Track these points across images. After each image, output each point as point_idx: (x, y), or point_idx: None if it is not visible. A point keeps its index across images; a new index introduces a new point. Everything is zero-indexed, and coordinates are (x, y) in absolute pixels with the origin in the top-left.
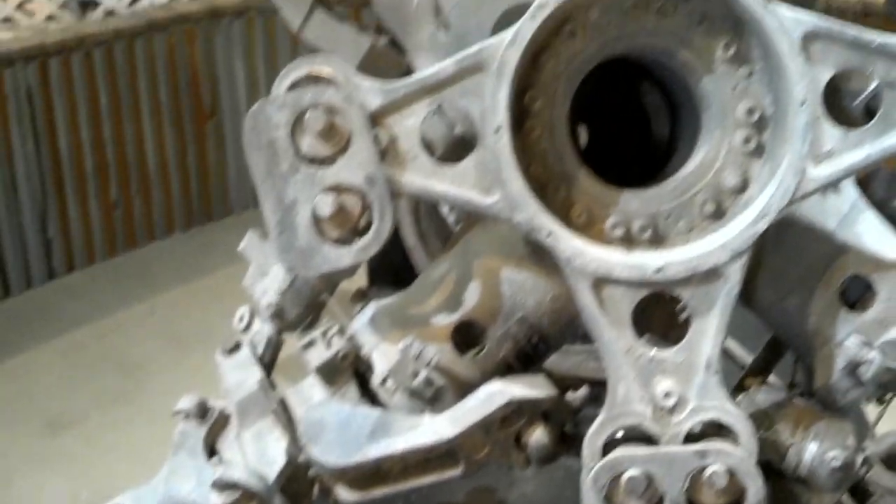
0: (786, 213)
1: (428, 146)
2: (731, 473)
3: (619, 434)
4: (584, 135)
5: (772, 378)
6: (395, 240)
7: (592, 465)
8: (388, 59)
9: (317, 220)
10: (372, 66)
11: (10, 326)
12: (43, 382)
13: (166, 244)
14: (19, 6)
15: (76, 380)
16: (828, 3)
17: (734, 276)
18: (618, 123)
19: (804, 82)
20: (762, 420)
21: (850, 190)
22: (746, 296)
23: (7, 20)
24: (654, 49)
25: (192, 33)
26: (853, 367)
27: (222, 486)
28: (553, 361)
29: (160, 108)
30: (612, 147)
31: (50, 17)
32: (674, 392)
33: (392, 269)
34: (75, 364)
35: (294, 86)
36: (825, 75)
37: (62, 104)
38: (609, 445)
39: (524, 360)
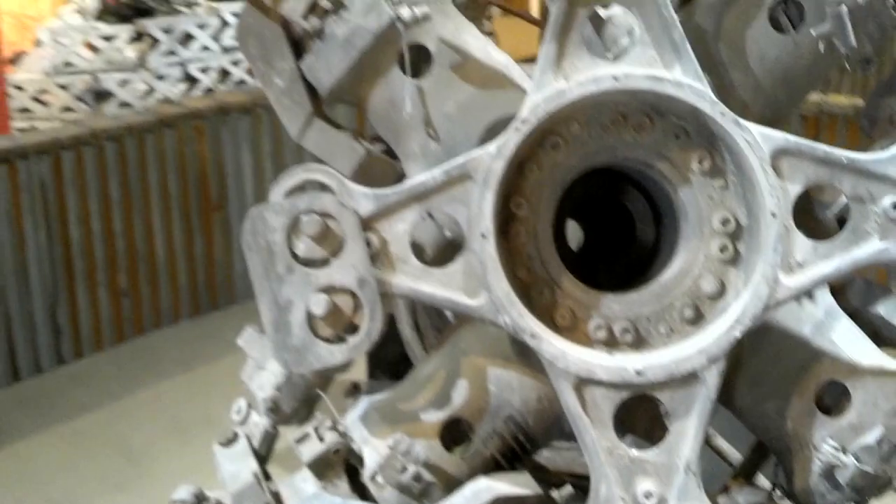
0: (761, 320)
1: (419, 249)
2: None
3: None
4: (581, 235)
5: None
6: (394, 334)
7: None
8: (383, 166)
9: (310, 319)
10: (367, 172)
11: (19, 410)
12: (47, 467)
13: (173, 332)
14: (36, 97)
15: (80, 465)
16: (819, 106)
17: (711, 381)
18: (611, 226)
19: (774, 196)
20: None
21: (825, 297)
22: (727, 398)
23: (24, 110)
24: (634, 161)
25: (201, 129)
26: (829, 471)
27: None
28: (548, 458)
29: (169, 201)
30: (607, 248)
31: (66, 108)
32: (654, 493)
33: (391, 363)
34: (80, 449)
35: (291, 192)
36: (795, 189)
37: (74, 196)
38: None
39: (511, 456)
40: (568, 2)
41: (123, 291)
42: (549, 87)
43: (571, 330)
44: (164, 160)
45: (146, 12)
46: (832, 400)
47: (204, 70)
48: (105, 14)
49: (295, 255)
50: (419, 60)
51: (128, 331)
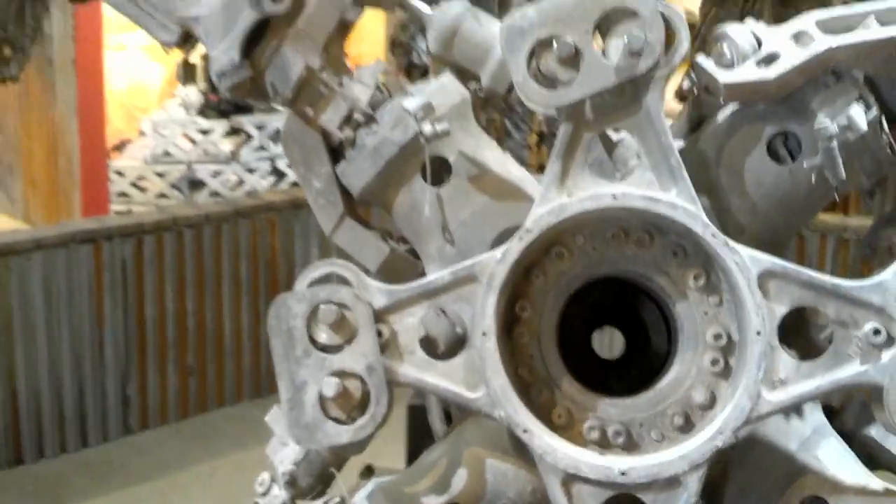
0: (747, 431)
1: (432, 342)
2: None
3: None
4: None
5: None
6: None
7: None
8: (406, 264)
9: (322, 400)
10: (391, 268)
11: (84, 475)
12: None
13: (233, 411)
14: (134, 182)
15: None
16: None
17: (693, 486)
18: (637, 334)
19: (760, 315)
20: None
21: (814, 415)
22: None
23: (122, 194)
24: (635, 273)
25: (274, 221)
26: None
27: None
28: None
29: (240, 287)
30: (632, 354)
31: (161, 195)
32: None
33: None
34: None
35: (314, 283)
36: (781, 310)
37: (152, 277)
38: None
39: None
40: (574, 125)
41: (190, 369)
42: (553, 202)
43: (567, 429)
44: (238, 248)
45: (245, 109)
46: None
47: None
48: (207, 109)
49: (313, 341)
50: (440, 171)
51: (191, 407)
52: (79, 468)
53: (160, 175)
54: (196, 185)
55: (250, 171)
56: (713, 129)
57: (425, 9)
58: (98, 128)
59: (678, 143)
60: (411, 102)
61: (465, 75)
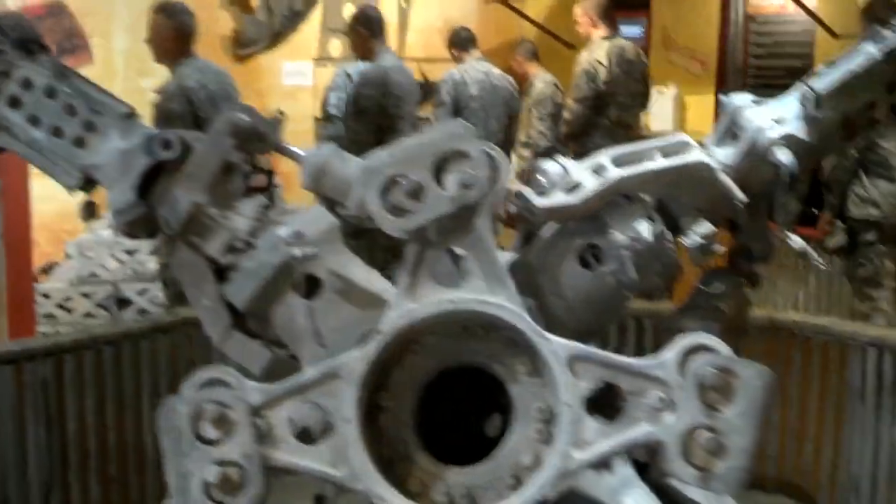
0: (565, 486)
1: (306, 431)
2: None
3: None
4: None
5: None
6: None
7: None
8: (287, 367)
9: (206, 486)
10: (274, 371)
11: None
12: None
13: None
14: (61, 304)
15: None
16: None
17: None
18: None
19: (569, 391)
20: None
21: (623, 469)
22: None
23: (49, 316)
24: (479, 364)
25: (192, 335)
26: None
27: None
28: None
29: (159, 399)
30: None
31: (88, 314)
32: None
33: None
34: None
35: (199, 386)
36: (586, 385)
37: (73, 394)
38: None
39: None
40: (420, 245)
41: (113, 479)
42: (403, 308)
43: (422, 496)
44: (157, 363)
45: None
46: None
47: None
48: None
49: (198, 436)
50: (312, 286)
51: None
52: None
53: (86, 296)
54: (123, 303)
55: None
56: (537, 243)
57: (300, 152)
58: (25, 253)
59: (511, 255)
60: (284, 230)
61: (334, 204)
